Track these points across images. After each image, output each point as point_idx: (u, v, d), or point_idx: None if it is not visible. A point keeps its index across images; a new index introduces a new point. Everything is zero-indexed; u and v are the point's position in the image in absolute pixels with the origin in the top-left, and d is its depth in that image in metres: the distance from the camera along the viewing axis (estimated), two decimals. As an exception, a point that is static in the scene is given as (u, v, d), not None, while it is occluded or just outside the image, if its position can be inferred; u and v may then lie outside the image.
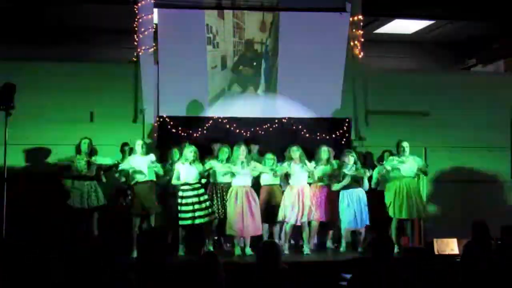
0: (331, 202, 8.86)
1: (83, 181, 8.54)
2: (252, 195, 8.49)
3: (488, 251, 6.50)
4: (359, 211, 8.63)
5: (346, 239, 8.88)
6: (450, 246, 8.12)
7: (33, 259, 4.64)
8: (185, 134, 9.73)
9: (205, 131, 9.83)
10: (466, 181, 10.57)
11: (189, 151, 8.42)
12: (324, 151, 8.99)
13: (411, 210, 8.66)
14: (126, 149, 9.08)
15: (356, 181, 8.73)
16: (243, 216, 8.31)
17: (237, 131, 9.87)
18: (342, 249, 8.83)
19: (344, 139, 10.22)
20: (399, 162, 8.78)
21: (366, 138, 10.43)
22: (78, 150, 8.77)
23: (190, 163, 8.37)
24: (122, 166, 8.55)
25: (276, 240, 8.71)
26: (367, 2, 10.72)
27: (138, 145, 8.56)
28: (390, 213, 8.74)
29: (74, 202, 8.46)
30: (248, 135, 9.86)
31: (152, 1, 10.06)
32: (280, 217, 8.60)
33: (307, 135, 10.07)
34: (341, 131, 10.25)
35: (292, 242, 9.13)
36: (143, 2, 10.04)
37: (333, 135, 10.17)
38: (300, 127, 10.11)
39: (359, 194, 8.72)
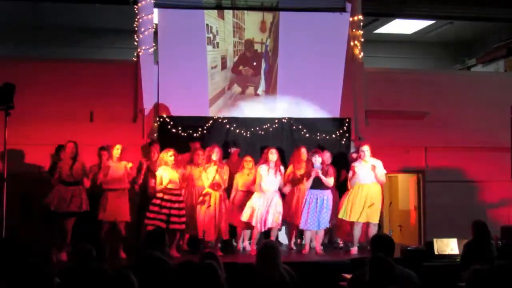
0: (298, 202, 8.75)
1: (66, 186, 8.22)
2: (224, 199, 8.38)
3: (488, 251, 6.51)
4: (320, 213, 8.38)
5: (309, 239, 8.69)
6: (450, 246, 8.11)
7: (33, 259, 4.63)
8: (185, 134, 9.74)
9: (205, 131, 9.84)
10: (466, 181, 10.58)
11: (168, 155, 8.26)
12: (303, 153, 8.86)
13: (360, 213, 8.46)
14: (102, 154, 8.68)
15: (319, 181, 8.45)
16: (215, 220, 8.19)
17: (237, 131, 9.88)
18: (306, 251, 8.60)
19: (344, 139, 10.22)
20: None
21: (366, 138, 10.42)
22: (63, 153, 8.49)
23: (171, 168, 8.22)
24: None
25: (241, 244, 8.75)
26: (367, 2, 10.72)
27: (117, 149, 8.37)
28: (340, 214, 8.62)
29: (51, 205, 8.16)
30: (248, 135, 9.88)
31: (152, 1, 10.07)
32: (244, 218, 8.40)
33: (307, 135, 10.08)
34: (341, 131, 10.25)
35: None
36: (143, 2, 10.04)
37: (333, 135, 10.18)
38: (300, 127, 10.12)
39: (324, 196, 8.46)
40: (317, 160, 8.42)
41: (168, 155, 8.25)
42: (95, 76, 9.87)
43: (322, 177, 8.39)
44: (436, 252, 8.02)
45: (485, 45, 13.43)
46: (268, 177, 8.41)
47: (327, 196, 8.48)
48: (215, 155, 8.29)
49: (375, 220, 8.48)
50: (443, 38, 13.42)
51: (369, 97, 10.64)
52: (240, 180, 8.74)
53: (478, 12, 11.71)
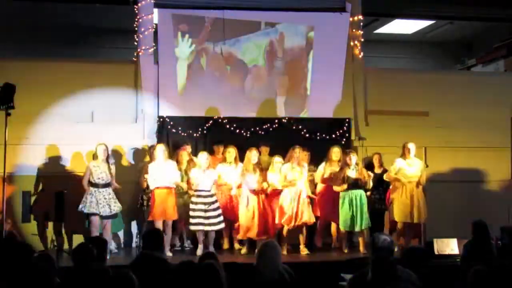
0: (334, 201, 8.83)
1: (99, 188, 8.27)
2: (262, 199, 8.51)
3: (488, 251, 6.50)
4: (358, 213, 8.51)
5: (344, 240, 8.84)
6: (450, 246, 8.12)
7: (33, 261, 4.63)
8: (185, 134, 9.74)
9: (205, 131, 9.84)
10: (466, 181, 10.57)
11: (203, 158, 8.41)
12: (335, 152, 8.93)
13: (409, 213, 8.64)
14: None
15: (356, 183, 8.59)
16: (253, 220, 8.37)
17: (237, 131, 9.88)
18: (345, 250, 8.79)
19: (344, 139, 10.22)
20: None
21: (366, 138, 10.43)
22: (94, 156, 8.56)
23: (204, 171, 8.37)
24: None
25: None
26: (367, 2, 10.72)
27: (161, 150, 8.41)
28: (394, 216, 8.73)
29: (88, 208, 8.20)
30: (248, 135, 9.87)
31: (152, 1, 10.06)
32: (277, 220, 8.54)
33: (307, 135, 10.08)
34: (341, 131, 10.26)
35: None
36: (143, 2, 10.03)
37: (333, 135, 10.18)
38: (300, 127, 10.12)
39: (360, 195, 8.59)
40: (352, 159, 8.53)
41: (203, 159, 8.40)
42: (95, 76, 9.86)
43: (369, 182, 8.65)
44: (436, 252, 8.02)
45: (485, 45, 13.42)
46: (291, 174, 8.48)
47: (362, 195, 8.59)
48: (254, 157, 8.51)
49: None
50: (443, 38, 13.41)
51: (369, 97, 10.64)
52: (274, 181, 8.70)
53: (478, 12, 11.71)
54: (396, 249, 8.14)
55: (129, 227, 9.47)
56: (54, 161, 9.48)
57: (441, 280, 6.59)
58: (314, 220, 8.77)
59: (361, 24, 10.76)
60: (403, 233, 8.95)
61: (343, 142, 10.12)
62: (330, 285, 6.41)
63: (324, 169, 8.90)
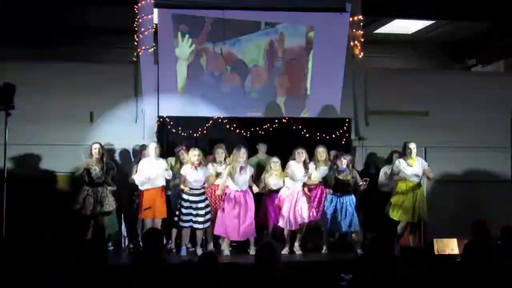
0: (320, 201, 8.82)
1: (96, 187, 8.33)
2: (248, 199, 8.41)
3: (488, 251, 6.50)
4: (345, 215, 8.43)
5: (327, 242, 8.78)
6: (450, 246, 8.12)
7: (33, 261, 4.64)
8: (185, 134, 9.74)
9: (205, 131, 9.84)
10: (466, 181, 10.58)
11: (193, 154, 8.37)
12: (320, 152, 8.92)
13: (412, 214, 8.63)
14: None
15: (347, 185, 8.54)
16: (238, 220, 8.27)
17: (237, 131, 9.88)
18: (323, 251, 8.70)
19: (344, 139, 10.22)
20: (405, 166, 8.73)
21: (366, 138, 10.43)
22: (89, 155, 8.59)
23: (195, 167, 8.33)
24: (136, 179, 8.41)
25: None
26: (367, 2, 10.72)
27: (152, 148, 8.42)
28: (391, 215, 8.71)
29: (85, 209, 8.25)
30: (248, 135, 9.87)
31: (152, 1, 10.06)
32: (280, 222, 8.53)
33: (307, 135, 10.08)
34: (341, 131, 10.25)
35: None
36: (143, 2, 10.04)
37: (333, 135, 10.17)
38: (300, 127, 10.12)
39: (349, 199, 8.54)
40: (343, 162, 8.48)
41: (192, 155, 8.35)
42: (95, 76, 9.86)
43: (362, 183, 8.51)
44: (436, 252, 8.03)
45: (485, 45, 13.42)
46: (297, 173, 8.55)
47: (351, 198, 8.56)
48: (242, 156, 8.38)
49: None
50: (443, 38, 13.41)
51: (369, 97, 10.64)
52: (271, 182, 8.71)
53: (478, 12, 11.70)
54: (396, 249, 8.26)
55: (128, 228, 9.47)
56: (54, 161, 9.48)
57: (441, 280, 6.61)
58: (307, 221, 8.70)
59: (361, 24, 10.76)
60: (405, 233, 8.93)
61: (343, 142, 10.13)
62: (330, 285, 6.42)
63: (312, 170, 8.86)
